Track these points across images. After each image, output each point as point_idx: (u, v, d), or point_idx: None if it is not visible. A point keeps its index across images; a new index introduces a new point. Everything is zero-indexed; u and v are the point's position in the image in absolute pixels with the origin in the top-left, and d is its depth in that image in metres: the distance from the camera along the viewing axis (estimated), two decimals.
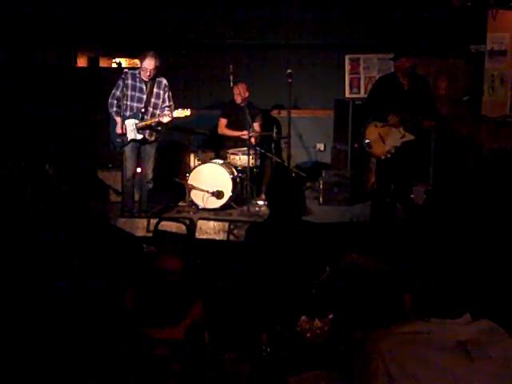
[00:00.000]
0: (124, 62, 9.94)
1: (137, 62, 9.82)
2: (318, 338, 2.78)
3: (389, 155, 5.78)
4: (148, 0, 8.56)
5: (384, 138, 5.81)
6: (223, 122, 7.70)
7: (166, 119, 6.44)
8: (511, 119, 7.30)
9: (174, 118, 6.48)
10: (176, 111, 6.45)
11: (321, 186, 7.57)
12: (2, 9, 7.52)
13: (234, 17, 8.60)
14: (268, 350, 2.61)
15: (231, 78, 6.90)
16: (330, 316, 2.86)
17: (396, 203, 6.06)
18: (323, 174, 7.61)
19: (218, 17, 8.64)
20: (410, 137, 5.75)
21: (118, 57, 9.94)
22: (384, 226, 5.86)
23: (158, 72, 6.52)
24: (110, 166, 7.76)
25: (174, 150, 7.96)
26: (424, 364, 1.78)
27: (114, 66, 10.04)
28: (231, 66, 6.88)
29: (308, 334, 2.80)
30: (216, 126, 7.77)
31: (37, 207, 6.04)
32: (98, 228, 3.36)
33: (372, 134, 5.86)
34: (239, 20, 8.61)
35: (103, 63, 10.29)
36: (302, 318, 2.86)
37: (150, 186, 6.73)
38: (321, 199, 7.57)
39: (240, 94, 7.29)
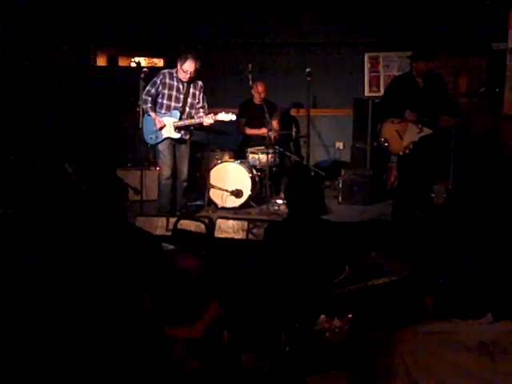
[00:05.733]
0: (143, 62, 9.99)
1: (155, 61, 9.87)
2: (337, 338, 2.76)
3: (407, 151, 5.73)
4: (167, 0, 8.58)
5: (401, 134, 5.76)
6: (241, 121, 7.69)
7: (208, 121, 6.37)
8: None
9: (216, 121, 6.44)
10: (220, 114, 6.38)
11: (340, 185, 7.54)
12: (22, 8, 7.59)
13: (254, 15, 8.59)
14: (287, 349, 2.60)
15: (250, 77, 6.89)
16: (350, 315, 2.84)
17: (416, 202, 6.00)
18: (342, 173, 7.58)
19: (236, 16, 8.64)
20: (427, 131, 5.70)
21: (137, 56, 9.99)
22: (406, 225, 5.81)
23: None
24: (128, 165, 7.78)
25: (194, 148, 7.96)
26: (445, 364, 1.77)
27: (133, 65, 10.10)
28: (250, 65, 6.87)
29: (327, 334, 2.78)
30: (234, 125, 7.76)
31: (56, 205, 6.07)
32: (117, 226, 3.36)
33: (389, 131, 5.82)
34: (258, 19, 8.60)
35: (122, 62, 10.36)
36: (322, 317, 2.85)
37: (185, 184, 6.70)
38: (340, 198, 7.54)
39: (259, 92, 7.29)
